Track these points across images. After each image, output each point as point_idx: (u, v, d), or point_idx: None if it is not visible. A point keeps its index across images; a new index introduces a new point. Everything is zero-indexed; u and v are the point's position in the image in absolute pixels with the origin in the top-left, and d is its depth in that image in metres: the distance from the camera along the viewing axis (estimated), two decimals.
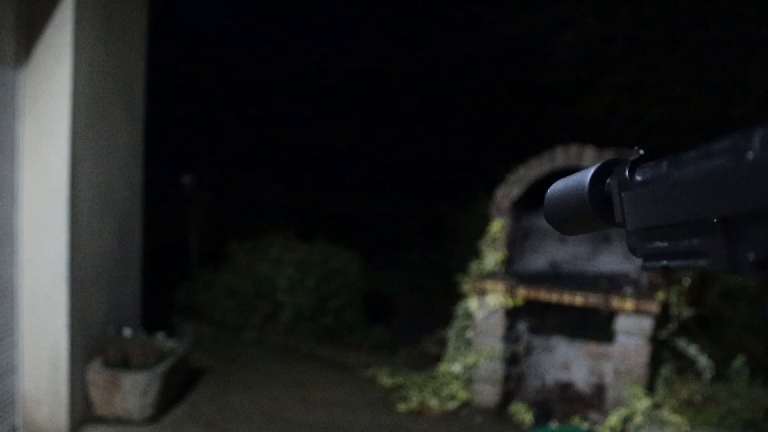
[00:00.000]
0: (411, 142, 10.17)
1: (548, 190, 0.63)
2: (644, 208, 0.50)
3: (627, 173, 0.52)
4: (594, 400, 4.70)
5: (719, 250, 0.43)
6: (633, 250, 0.54)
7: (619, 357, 4.24)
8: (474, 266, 4.92)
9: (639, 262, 0.54)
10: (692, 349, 4.28)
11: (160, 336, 4.43)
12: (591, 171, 0.56)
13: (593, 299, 4.29)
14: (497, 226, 4.84)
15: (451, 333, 5.01)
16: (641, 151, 0.52)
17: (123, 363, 3.98)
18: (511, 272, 4.88)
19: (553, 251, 5.05)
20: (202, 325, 6.20)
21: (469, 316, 4.82)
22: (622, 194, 0.52)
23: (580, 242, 4.99)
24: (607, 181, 0.55)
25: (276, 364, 5.54)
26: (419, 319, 6.42)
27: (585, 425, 4.37)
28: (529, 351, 4.92)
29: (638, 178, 0.51)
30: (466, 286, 4.81)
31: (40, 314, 3.71)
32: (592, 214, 0.56)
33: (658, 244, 0.50)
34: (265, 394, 4.75)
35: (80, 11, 3.60)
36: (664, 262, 0.50)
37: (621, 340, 4.22)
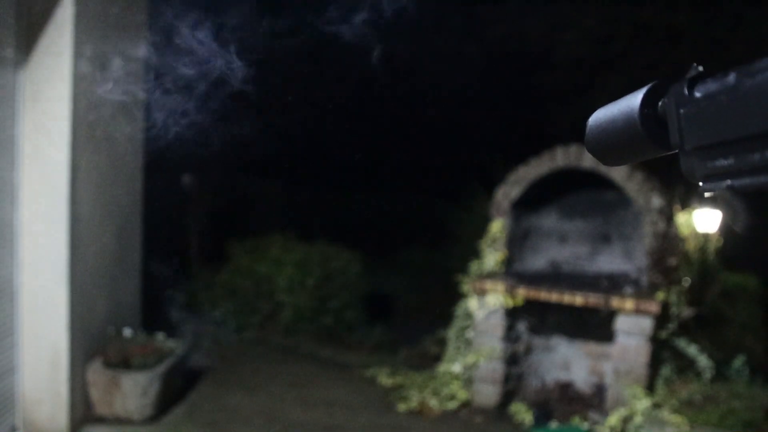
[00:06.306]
0: (411, 142, 10.18)
1: (590, 118, 0.59)
2: (707, 124, 0.47)
3: (686, 89, 0.49)
4: (594, 400, 4.70)
5: None
6: (691, 174, 0.50)
7: (619, 357, 4.24)
8: (474, 266, 4.93)
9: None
10: (692, 349, 4.28)
11: (160, 336, 4.43)
12: (641, 92, 0.53)
13: (593, 299, 4.29)
14: (497, 226, 4.84)
15: (451, 333, 5.01)
16: (700, 68, 0.49)
17: (123, 363, 3.98)
18: (511, 272, 4.88)
19: (553, 251, 5.05)
20: (202, 325, 6.20)
21: (469, 316, 4.82)
22: (681, 111, 0.49)
23: (580, 242, 4.99)
24: (660, 102, 0.52)
25: (276, 364, 5.54)
26: (419, 319, 6.42)
27: (585, 425, 4.37)
28: (529, 351, 4.92)
29: (698, 94, 0.48)
30: (466, 286, 4.81)
31: (40, 314, 3.71)
32: (643, 137, 0.53)
33: (722, 162, 0.46)
34: (265, 394, 4.75)
35: (80, 11, 3.60)
36: (729, 182, 0.46)
37: (621, 340, 4.22)
